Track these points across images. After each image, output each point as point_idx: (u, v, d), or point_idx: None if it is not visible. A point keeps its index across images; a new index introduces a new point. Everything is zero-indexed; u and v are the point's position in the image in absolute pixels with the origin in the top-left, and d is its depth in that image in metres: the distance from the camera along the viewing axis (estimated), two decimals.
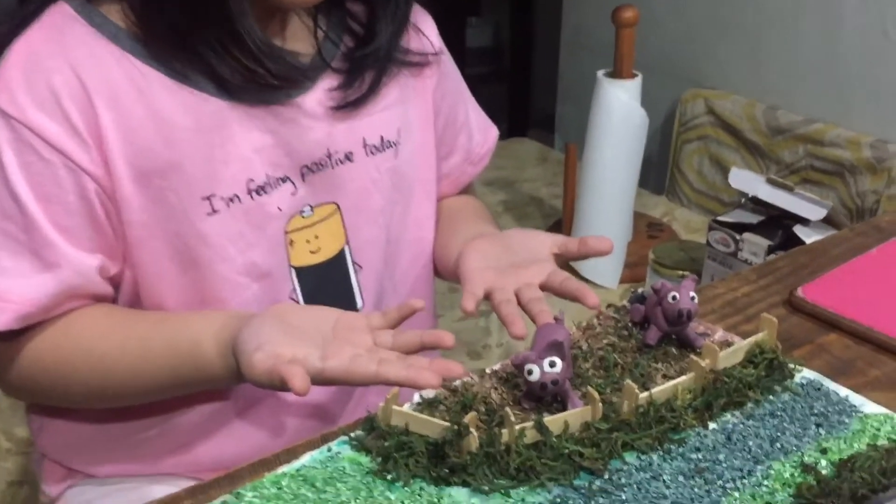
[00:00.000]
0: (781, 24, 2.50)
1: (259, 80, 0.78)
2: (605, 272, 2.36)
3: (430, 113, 0.95)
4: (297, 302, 0.86)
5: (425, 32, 0.94)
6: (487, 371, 0.74)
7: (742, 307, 0.89)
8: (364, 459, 0.66)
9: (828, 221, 1.57)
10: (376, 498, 0.62)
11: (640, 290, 0.81)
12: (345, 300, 0.89)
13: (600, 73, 2.24)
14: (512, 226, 2.76)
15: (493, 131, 1.07)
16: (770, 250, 1.58)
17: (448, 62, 0.99)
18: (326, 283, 0.88)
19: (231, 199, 0.80)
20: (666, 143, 2.89)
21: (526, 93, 3.50)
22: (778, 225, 1.64)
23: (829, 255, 1.00)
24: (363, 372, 0.68)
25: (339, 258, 0.88)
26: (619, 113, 2.22)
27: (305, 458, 0.66)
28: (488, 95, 1.00)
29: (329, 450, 0.67)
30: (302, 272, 0.86)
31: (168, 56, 0.77)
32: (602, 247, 0.81)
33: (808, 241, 1.31)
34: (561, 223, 2.59)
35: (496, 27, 3.75)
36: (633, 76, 2.23)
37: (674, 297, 0.74)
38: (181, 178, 0.78)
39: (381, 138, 0.89)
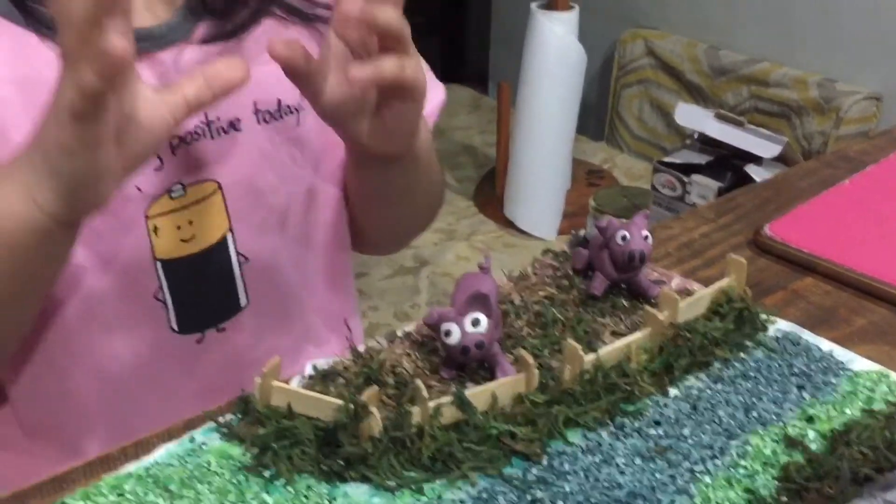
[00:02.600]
0: None
1: None
2: (542, 222, 2.24)
3: None
4: (164, 303, 0.70)
5: None
6: (399, 334, 0.61)
7: (701, 249, 0.78)
8: (235, 451, 0.52)
9: (781, 160, 1.45)
10: (249, 502, 0.48)
11: (582, 233, 0.69)
12: (224, 298, 0.73)
13: (534, 4, 2.10)
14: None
15: (437, 95, 0.84)
16: (720, 193, 1.46)
17: None
18: (201, 278, 0.71)
19: None
20: (605, 87, 2.78)
21: (460, 44, 3.34)
22: (727, 165, 1.52)
23: (796, 188, 0.88)
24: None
25: (220, 248, 0.72)
26: (555, 48, 2.08)
27: (160, 453, 0.51)
28: (419, 48, 0.84)
29: (192, 440, 0.52)
30: (170, 265, 0.70)
31: None
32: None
33: None
34: (495, 172, 2.46)
35: None
36: (570, 8, 2.09)
37: (623, 238, 0.63)
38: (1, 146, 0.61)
39: (279, 102, 0.72)
